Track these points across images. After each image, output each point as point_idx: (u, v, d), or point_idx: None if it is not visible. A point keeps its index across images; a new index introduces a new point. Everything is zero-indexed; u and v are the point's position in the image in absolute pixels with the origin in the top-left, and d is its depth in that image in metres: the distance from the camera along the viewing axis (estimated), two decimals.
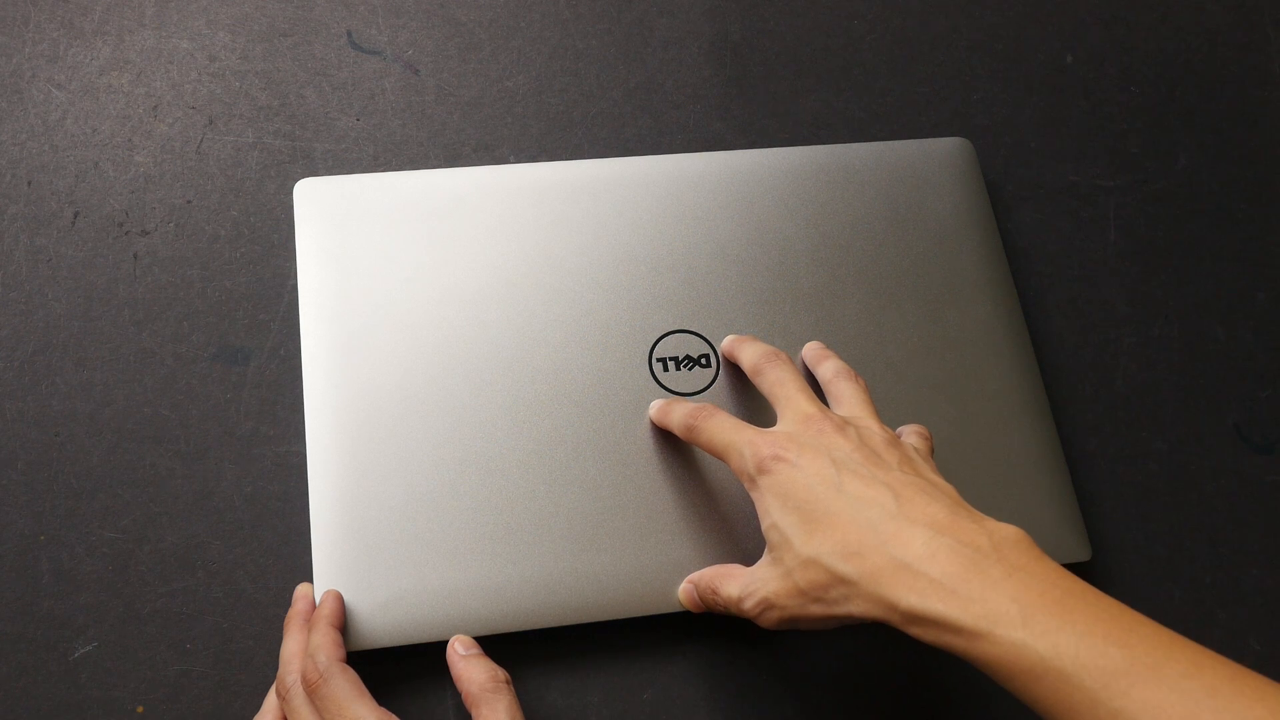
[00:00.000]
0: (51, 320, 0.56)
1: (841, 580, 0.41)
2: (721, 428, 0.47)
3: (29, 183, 0.59)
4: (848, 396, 0.50)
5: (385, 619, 0.48)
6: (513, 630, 0.49)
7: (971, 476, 0.53)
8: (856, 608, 0.41)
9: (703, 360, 0.54)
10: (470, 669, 0.46)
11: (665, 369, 0.54)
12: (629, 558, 0.50)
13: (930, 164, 0.61)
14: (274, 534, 0.52)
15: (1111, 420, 0.60)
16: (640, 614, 0.50)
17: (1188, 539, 0.58)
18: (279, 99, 0.62)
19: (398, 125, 0.62)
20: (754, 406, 0.54)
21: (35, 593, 0.51)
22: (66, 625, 0.50)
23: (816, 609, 0.43)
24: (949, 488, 0.44)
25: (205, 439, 0.54)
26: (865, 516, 0.42)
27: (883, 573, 0.40)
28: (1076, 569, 0.51)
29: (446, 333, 0.53)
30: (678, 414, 0.50)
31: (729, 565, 0.49)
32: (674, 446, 0.52)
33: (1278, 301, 0.64)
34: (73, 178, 0.59)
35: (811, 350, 0.55)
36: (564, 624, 0.49)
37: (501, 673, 0.46)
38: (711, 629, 0.52)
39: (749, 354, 0.52)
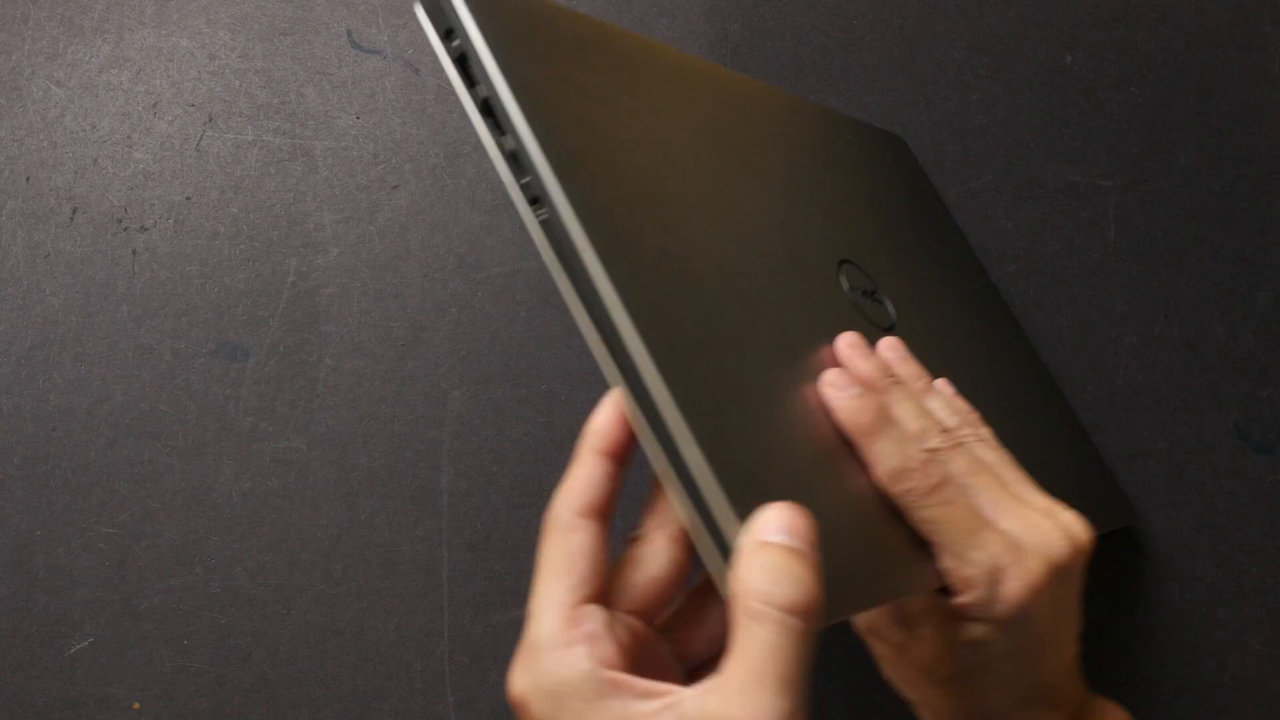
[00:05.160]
0: (49, 315, 0.56)
1: None
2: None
3: (27, 178, 0.59)
4: None
5: None
6: None
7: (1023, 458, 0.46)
8: None
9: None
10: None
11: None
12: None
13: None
14: (272, 530, 0.52)
15: (1111, 420, 0.60)
16: None
17: (1188, 539, 0.58)
18: (279, 97, 0.62)
19: (398, 124, 0.62)
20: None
21: (31, 588, 0.50)
22: (63, 621, 0.50)
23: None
24: None
25: (203, 435, 0.54)
26: None
27: None
28: (1123, 533, 0.55)
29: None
30: None
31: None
32: None
33: (1278, 301, 0.64)
34: (71, 174, 0.59)
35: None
36: None
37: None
38: None
39: None
